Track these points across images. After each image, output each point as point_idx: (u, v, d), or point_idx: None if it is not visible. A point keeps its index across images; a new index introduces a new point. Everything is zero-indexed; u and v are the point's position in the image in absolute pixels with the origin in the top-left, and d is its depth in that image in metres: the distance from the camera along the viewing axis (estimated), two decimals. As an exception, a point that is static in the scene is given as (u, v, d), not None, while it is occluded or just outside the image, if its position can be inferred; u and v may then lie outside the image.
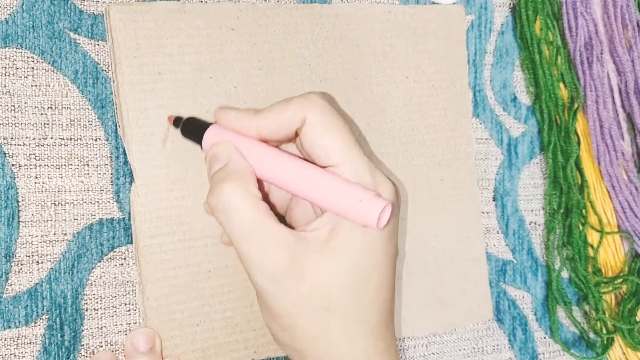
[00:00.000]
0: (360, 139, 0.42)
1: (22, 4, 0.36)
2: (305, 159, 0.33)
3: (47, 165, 0.37)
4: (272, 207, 0.35)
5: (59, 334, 0.36)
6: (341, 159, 0.31)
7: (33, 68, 0.37)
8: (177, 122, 0.37)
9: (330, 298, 0.31)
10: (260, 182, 0.33)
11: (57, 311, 0.36)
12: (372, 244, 0.32)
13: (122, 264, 0.38)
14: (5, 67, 0.36)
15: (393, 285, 0.34)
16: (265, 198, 0.35)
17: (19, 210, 0.36)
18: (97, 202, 0.38)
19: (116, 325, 0.38)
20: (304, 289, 0.31)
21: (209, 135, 0.34)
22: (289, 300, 0.31)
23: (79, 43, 0.38)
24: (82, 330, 0.37)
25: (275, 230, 0.31)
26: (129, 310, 0.38)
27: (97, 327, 0.37)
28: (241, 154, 0.32)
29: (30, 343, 0.36)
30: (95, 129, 0.38)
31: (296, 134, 0.33)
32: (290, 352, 0.33)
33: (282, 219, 0.36)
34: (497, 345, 0.46)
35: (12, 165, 0.36)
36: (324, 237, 0.31)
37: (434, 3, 0.46)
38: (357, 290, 0.31)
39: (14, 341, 0.35)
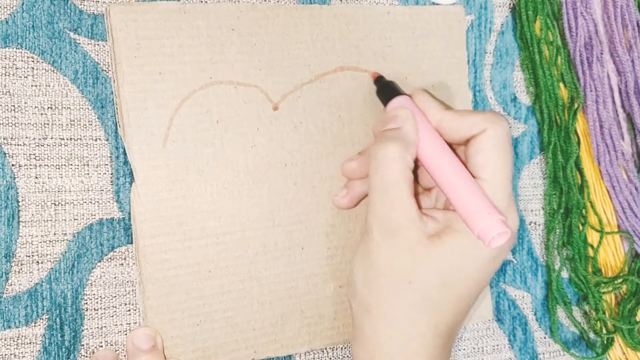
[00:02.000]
0: None
1: (22, 4, 0.36)
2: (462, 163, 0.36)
3: (47, 165, 0.37)
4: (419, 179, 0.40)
5: (59, 334, 0.36)
6: (492, 176, 0.34)
7: (33, 68, 0.37)
8: (377, 81, 0.41)
9: (418, 278, 0.34)
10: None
11: (57, 311, 0.36)
12: (476, 257, 0.34)
13: (122, 264, 0.38)
14: (5, 67, 0.36)
15: (472, 303, 0.36)
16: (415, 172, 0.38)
17: (19, 210, 0.36)
18: (97, 202, 0.38)
19: (116, 325, 0.38)
20: (404, 257, 0.34)
21: (397, 101, 0.38)
22: (387, 257, 0.34)
23: (79, 43, 0.38)
24: (82, 330, 0.37)
25: (408, 199, 0.34)
26: (129, 310, 0.38)
27: (97, 327, 0.37)
28: (415, 126, 0.36)
29: (30, 343, 0.36)
30: (95, 129, 0.38)
31: (466, 142, 0.36)
32: (358, 308, 0.36)
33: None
34: (497, 345, 0.46)
35: (12, 165, 0.36)
36: (437, 229, 0.34)
37: (433, 3, 0.46)
38: (442, 286, 0.34)
39: (14, 341, 0.36)
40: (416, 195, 0.36)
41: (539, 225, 0.49)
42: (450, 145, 0.37)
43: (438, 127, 0.37)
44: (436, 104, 0.37)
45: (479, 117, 0.35)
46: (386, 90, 0.40)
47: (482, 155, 0.35)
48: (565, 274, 0.48)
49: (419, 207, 0.35)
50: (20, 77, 0.36)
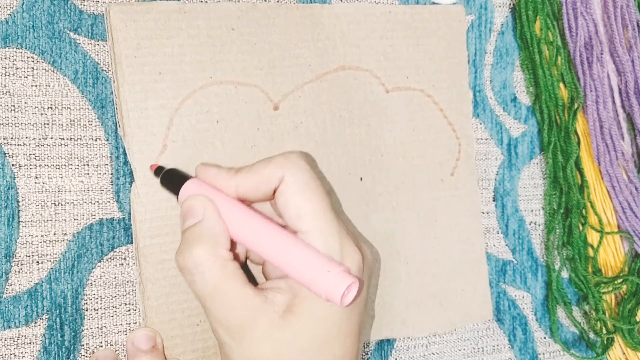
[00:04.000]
0: (334, 202, 0.41)
1: (22, 4, 0.36)
2: (277, 223, 0.33)
3: (47, 165, 0.37)
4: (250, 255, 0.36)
5: (59, 334, 0.36)
6: (312, 224, 0.31)
7: (33, 68, 0.37)
8: (158, 171, 0.37)
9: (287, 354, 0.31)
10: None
11: (57, 311, 0.36)
12: (335, 316, 0.31)
13: (122, 264, 0.38)
14: (5, 67, 0.36)
15: (356, 354, 0.33)
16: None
17: (19, 210, 0.36)
18: (97, 202, 0.38)
19: (116, 325, 0.38)
20: (264, 349, 0.31)
21: (186, 188, 0.34)
22: (249, 357, 0.31)
23: (79, 43, 0.38)
24: (82, 330, 0.37)
25: (241, 292, 0.31)
26: (129, 310, 0.38)
27: (97, 327, 0.37)
28: (216, 212, 0.32)
29: (30, 343, 0.36)
30: (95, 129, 0.38)
31: (272, 196, 0.33)
32: None
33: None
34: (497, 345, 0.46)
35: (12, 165, 0.36)
36: (287, 301, 0.31)
37: (434, 3, 0.46)
38: (314, 359, 0.31)
39: (14, 341, 0.35)
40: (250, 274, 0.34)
41: (539, 225, 0.49)
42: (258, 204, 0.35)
43: (238, 194, 0.33)
44: (224, 173, 0.33)
45: (271, 167, 0.32)
46: (170, 179, 0.36)
47: (291, 205, 0.31)
48: (565, 274, 0.48)
49: (257, 285, 0.32)
50: (20, 77, 0.36)
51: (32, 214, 0.36)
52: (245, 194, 0.33)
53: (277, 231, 0.32)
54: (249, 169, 0.33)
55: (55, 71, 0.37)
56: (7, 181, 0.36)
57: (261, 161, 0.33)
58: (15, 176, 0.36)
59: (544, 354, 0.48)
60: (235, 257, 0.33)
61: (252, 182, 0.33)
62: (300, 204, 0.31)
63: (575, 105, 0.47)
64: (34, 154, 0.36)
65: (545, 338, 0.48)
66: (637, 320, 0.47)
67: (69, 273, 0.37)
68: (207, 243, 0.31)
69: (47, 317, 0.36)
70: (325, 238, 0.31)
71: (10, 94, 0.36)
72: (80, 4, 0.38)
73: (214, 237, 0.31)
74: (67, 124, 0.37)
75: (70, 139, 0.37)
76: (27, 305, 0.36)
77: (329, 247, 0.31)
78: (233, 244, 0.34)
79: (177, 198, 0.35)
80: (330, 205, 0.32)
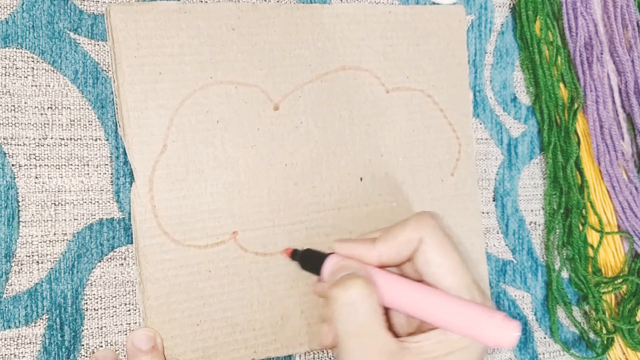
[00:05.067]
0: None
1: (22, 4, 0.36)
2: (418, 280, 0.34)
3: (47, 165, 0.37)
4: None
5: (59, 334, 0.36)
6: (455, 280, 0.33)
7: (33, 68, 0.37)
8: (294, 254, 0.38)
9: None
10: None
11: (57, 311, 0.36)
12: (468, 354, 0.33)
13: (122, 264, 0.38)
14: (5, 67, 0.36)
15: None
16: None
17: (19, 210, 0.36)
18: (97, 202, 0.38)
19: (116, 325, 0.38)
20: None
21: (330, 264, 0.35)
22: None
23: (79, 43, 0.38)
24: (82, 330, 0.37)
25: (384, 336, 0.32)
26: (129, 310, 0.38)
27: (97, 327, 0.37)
28: (366, 270, 0.34)
29: (30, 343, 0.36)
30: (95, 129, 0.38)
31: (408, 259, 0.35)
32: None
33: None
34: (497, 345, 0.46)
35: (12, 165, 0.36)
36: (428, 351, 0.32)
37: (434, 3, 0.46)
38: None
39: (14, 341, 0.35)
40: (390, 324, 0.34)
41: (539, 225, 0.49)
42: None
43: (380, 262, 0.35)
44: (363, 245, 0.35)
45: (409, 231, 0.34)
46: (309, 259, 0.37)
47: (434, 264, 0.33)
48: (565, 274, 0.48)
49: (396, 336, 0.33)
50: (20, 77, 0.36)
51: (32, 214, 0.36)
52: (387, 261, 0.35)
53: (431, 290, 0.33)
54: (385, 236, 0.35)
55: (55, 71, 0.37)
56: (7, 181, 0.36)
57: (396, 226, 0.35)
58: (15, 176, 0.36)
59: (544, 354, 0.48)
60: None
61: (392, 248, 0.34)
62: (442, 262, 0.33)
63: (575, 105, 0.47)
64: (34, 154, 0.36)
65: (545, 338, 0.48)
66: (637, 320, 0.47)
67: (69, 273, 0.37)
68: (366, 280, 0.33)
69: (47, 317, 0.36)
70: (470, 292, 0.33)
71: (10, 94, 0.36)
72: (80, 4, 0.38)
73: (371, 282, 0.33)
74: (67, 124, 0.37)
75: (70, 139, 0.37)
76: (27, 305, 0.36)
77: (475, 299, 0.33)
78: None
79: (319, 275, 0.36)
80: (463, 259, 0.34)
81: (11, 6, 0.36)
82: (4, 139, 0.36)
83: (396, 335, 0.33)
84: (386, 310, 0.34)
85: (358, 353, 0.32)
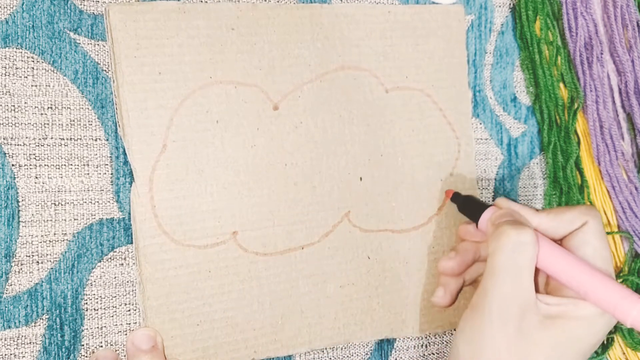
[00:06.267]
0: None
1: (22, 4, 0.36)
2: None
3: (47, 165, 0.37)
4: None
5: (59, 334, 0.36)
6: (604, 267, 0.36)
7: (33, 68, 0.37)
8: (455, 197, 0.43)
9: (535, 356, 0.35)
10: None
11: (57, 311, 0.36)
12: (586, 342, 0.36)
13: (122, 264, 0.38)
14: (5, 67, 0.36)
15: None
16: None
17: (19, 210, 0.36)
18: (97, 202, 0.38)
19: (116, 325, 0.38)
20: (520, 343, 0.34)
21: (494, 213, 0.39)
22: (505, 341, 0.35)
23: (79, 43, 0.38)
24: (82, 330, 0.37)
25: (532, 285, 0.35)
26: (129, 310, 0.38)
27: (97, 327, 0.37)
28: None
29: (30, 343, 0.36)
30: (95, 129, 0.38)
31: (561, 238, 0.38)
32: None
33: None
34: (497, 345, 0.46)
35: (12, 165, 0.36)
36: (554, 314, 0.35)
37: (433, 3, 0.46)
38: None
39: (14, 341, 0.35)
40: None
41: (539, 225, 0.49)
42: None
43: (537, 229, 0.37)
44: (526, 209, 0.38)
45: (576, 213, 0.37)
46: (470, 204, 0.41)
47: (592, 247, 0.36)
48: (565, 274, 0.48)
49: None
50: (20, 77, 0.36)
51: (32, 214, 0.36)
52: (543, 232, 0.37)
53: (585, 262, 0.36)
54: (551, 210, 0.38)
55: (55, 71, 0.37)
56: (7, 181, 0.36)
57: (564, 207, 0.38)
58: (15, 176, 0.36)
59: (544, 354, 0.48)
60: None
61: (556, 221, 0.37)
62: (599, 247, 0.36)
63: (575, 105, 0.47)
64: (34, 154, 0.36)
65: (545, 338, 0.48)
66: (637, 320, 0.47)
67: (69, 273, 0.37)
68: (535, 235, 0.36)
69: (47, 317, 0.36)
70: (612, 275, 0.36)
71: (10, 94, 0.36)
72: (80, 4, 0.38)
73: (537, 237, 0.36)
74: (67, 124, 0.37)
75: (70, 139, 0.37)
76: (27, 305, 0.36)
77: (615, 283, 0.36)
78: None
79: (477, 224, 0.40)
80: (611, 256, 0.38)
81: (11, 6, 0.36)
82: (4, 139, 0.36)
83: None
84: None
85: (509, 290, 0.35)
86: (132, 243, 0.38)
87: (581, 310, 0.35)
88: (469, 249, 0.41)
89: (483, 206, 0.40)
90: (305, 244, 0.41)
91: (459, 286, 0.41)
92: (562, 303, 0.35)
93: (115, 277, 0.38)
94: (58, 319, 0.36)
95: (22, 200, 0.36)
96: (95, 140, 0.38)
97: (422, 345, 0.44)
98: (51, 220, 0.37)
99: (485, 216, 0.39)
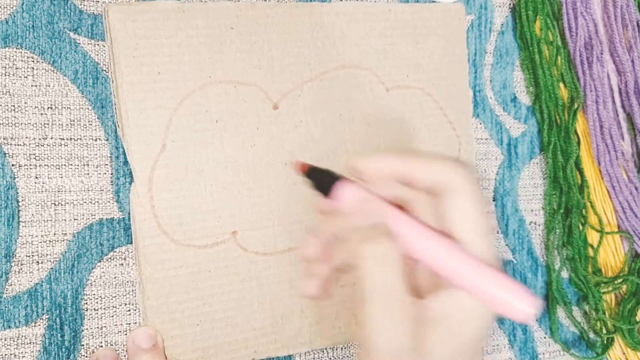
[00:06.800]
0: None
1: (22, 4, 0.36)
2: (438, 230, 0.32)
3: (47, 165, 0.37)
4: None
5: (59, 334, 0.36)
6: (475, 238, 0.31)
7: (33, 68, 0.37)
8: (311, 173, 0.34)
9: None
10: None
11: (57, 311, 0.36)
12: (483, 321, 0.32)
13: (122, 264, 0.38)
14: (5, 67, 0.36)
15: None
16: None
17: (19, 210, 0.36)
18: (97, 202, 0.38)
19: (116, 325, 0.38)
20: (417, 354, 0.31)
21: (350, 194, 0.32)
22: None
23: (79, 43, 0.38)
24: (82, 330, 0.37)
25: (406, 300, 0.31)
26: (129, 310, 0.38)
27: (97, 327, 0.37)
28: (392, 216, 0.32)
29: (30, 343, 0.36)
30: (95, 129, 0.38)
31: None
32: None
33: None
34: (497, 345, 0.46)
35: (12, 165, 0.36)
36: (444, 312, 0.31)
37: (434, 2, 0.46)
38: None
39: (14, 341, 0.35)
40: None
41: (539, 225, 0.49)
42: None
43: (395, 178, 0.32)
44: (388, 156, 0.32)
45: (444, 165, 0.31)
46: (321, 178, 0.34)
47: (460, 212, 0.31)
48: (565, 274, 0.48)
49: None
50: (20, 77, 0.36)
51: (32, 214, 0.36)
52: (404, 178, 0.32)
53: (457, 247, 0.31)
54: (416, 153, 0.32)
55: (55, 71, 0.37)
56: (7, 181, 0.36)
57: (435, 155, 0.32)
58: (15, 176, 0.36)
59: (544, 353, 0.48)
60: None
61: (421, 168, 0.31)
62: (468, 215, 0.31)
63: (575, 105, 0.47)
64: (34, 154, 0.36)
65: (545, 338, 0.48)
66: (637, 320, 0.47)
67: (69, 273, 0.37)
68: (394, 241, 0.31)
69: (47, 317, 0.36)
70: (484, 251, 0.31)
71: (10, 94, 0.36)
72: (80, 4, 0.38)
73: (393, 238, 0.31)
74: (67, 124, 0.37)
75: (70, 139, 0.37)
76: (27, 305, 0.36)
77: (489, 260, 0.31)
78: None
79: (326, 197, 0.33)
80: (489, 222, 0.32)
81: (11, 6, 0.36)
82: (4, 139, 0.36)
83: (418, 292, 0.32)
84: (411, 264, 0.33)
85: (380, 318, 0.31)
86: (132, 243, 0.38)
87: (461, 304, 0.31)
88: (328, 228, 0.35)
89: (334, 178, 0.33)
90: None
91: (329, 272, 0.35)
92: (444, 302, 0.31)
93: (115, 277, 0.38)
94: (58, 319, 0.36)
95: (22, 200, 0.36)
96: (95, 140, 0.38)
97: (422, 345, 0.44)
98: (51, 220, 0.37)
99: (347, 197, 0.32)
